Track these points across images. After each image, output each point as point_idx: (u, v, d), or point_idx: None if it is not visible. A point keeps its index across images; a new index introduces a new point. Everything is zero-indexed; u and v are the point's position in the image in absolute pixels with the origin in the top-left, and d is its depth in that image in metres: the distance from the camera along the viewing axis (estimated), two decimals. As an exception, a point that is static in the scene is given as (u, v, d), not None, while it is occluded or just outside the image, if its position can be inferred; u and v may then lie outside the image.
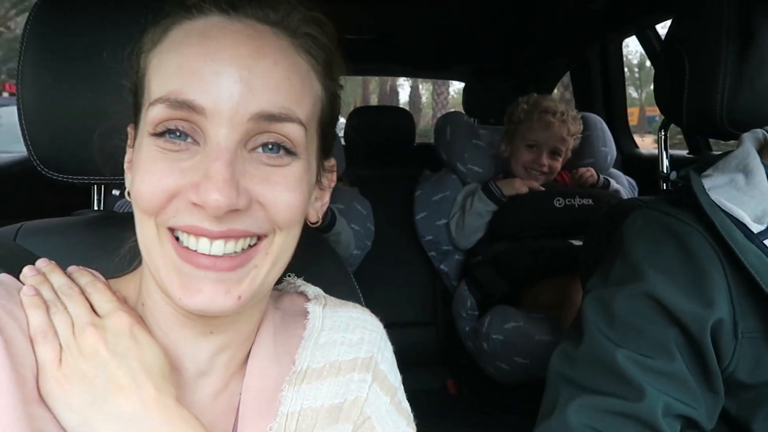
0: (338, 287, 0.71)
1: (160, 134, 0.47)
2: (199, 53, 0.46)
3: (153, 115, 0.47)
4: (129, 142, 0.55)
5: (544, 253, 1.72)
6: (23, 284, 0.51)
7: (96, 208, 0.82)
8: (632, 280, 0.72)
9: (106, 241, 0.69)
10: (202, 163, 0.45)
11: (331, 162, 0.59)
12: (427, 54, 2.63)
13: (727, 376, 0.68)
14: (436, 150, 2.08)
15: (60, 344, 0.47)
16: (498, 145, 1.94)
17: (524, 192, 1.78)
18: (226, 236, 0.46)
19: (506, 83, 2.57)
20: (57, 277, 0.52)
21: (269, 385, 0.56)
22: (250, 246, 0.48)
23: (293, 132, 0.48)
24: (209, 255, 0.46)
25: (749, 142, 0.77)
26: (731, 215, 0.70)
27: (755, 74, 0.83)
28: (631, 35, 2.25)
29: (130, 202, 0.91)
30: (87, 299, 0.51)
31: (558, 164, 1.84)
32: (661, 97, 1.03)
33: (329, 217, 1.60)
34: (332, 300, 0.64)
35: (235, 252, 0.47)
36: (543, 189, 1.80)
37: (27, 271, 0.52)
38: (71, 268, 0.54)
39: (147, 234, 0.49)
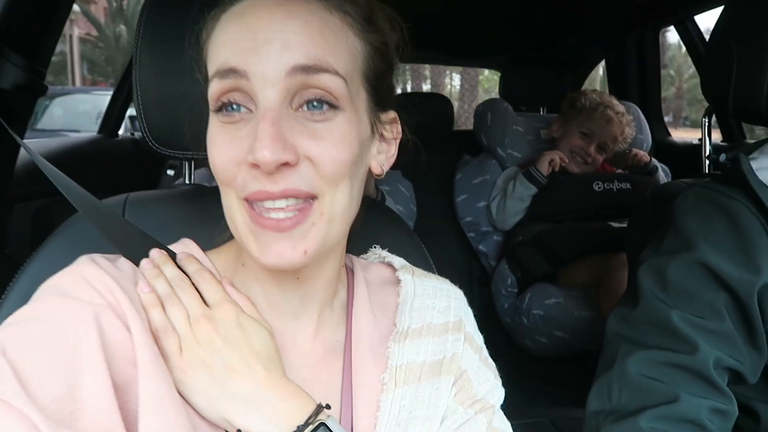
0: (413, 257, 0.75)
1: (219, 109, 0.50)
2: (239, 27, 0.50)
3: (211, 92, 0.51)
4: None
5: (583, 234, 1.80)
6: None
7: (187, 182, 0.89)
8: (685, 249, 0.77)
9: (201, 212, 0.76)
10: (254, 128, 0.48)
11: (391, 115, 0.59)
12: (465, 42, 2.68)
13: None
14: (476, 135, 2.15)
15: (178, 335, 0.52)
16: (550, 124, 2.02)
17: (555, 159, 1.86)
18: (284, 195, 0.49)
19: (542, 72, 2.61)
20: (170, 269, 0.56)
21: (374, 341, 0.61)
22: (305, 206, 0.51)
23: (332, 83, 0.49)
24: (273, 218, 0.49)
25: None
26: None
27: None
28: (670, 26, 2.29)
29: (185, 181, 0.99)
30: (196, 288, 0.55)
31: (600, 159, 1.93)
32: (708, 85, 1.09)
33: (380, 196, 1.68)
34: (417, 270, 0.68)
35: (294, 213, 0.50)
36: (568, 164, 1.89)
37: (144, 264, 0.56)
38: (180, 255, 0.58)
39: (228, 204, 0.53)
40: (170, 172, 2.40)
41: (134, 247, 0.59)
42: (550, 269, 1.82)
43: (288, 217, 0.49)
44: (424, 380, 0.60)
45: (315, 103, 0.49)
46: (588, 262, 1.77)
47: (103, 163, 2.38)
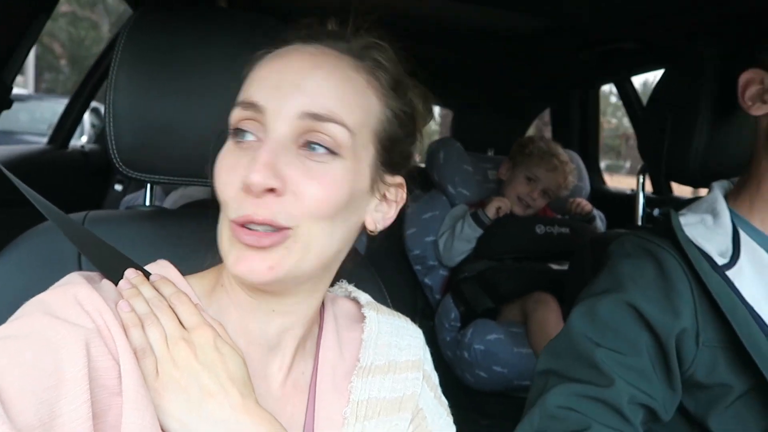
0: (371, 291, 0.76)
1: (234, 134, 0.55)
2: (271, 68, 0.55)
3: (230, 119, 0.56)
4: None
5: (525, 274, 1.90)
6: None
7: (147, 204, 0.88)
8: (616, 291, 0.82)
9: (163, 235, 0.77)
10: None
11: (398, 179, 0.62)
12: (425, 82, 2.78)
13: (688, 377, 0.79)
14: (427, 171, 2.23)
15: (155, 357, 0.52)
16: (500, 166, 2.13)
17: (502, 206, 1.96)
18: (264, 223, 0.51)
19: (492, 115, 2.75)
20: (147, 290, 0.56)
21: (338, 374, 0.63)
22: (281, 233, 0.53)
23: (337, 133, 0.53)
24: (254, 235, 0.52)
25: (718, 189, 0.89)
26: (700, 248, 0.81)
27: (725, 135, 0.97)
28: (610, 83, 2.48)
29: (133, 198, 1.00)
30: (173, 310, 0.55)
31: (543, 204, 2.05)
32: (643, 145, 1.20)
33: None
34: (381, 307, 0.71)
35: (273, 234, 0.52)
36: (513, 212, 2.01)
37: (122, 283, 0.56)
38: (153, 277, 0.58)
39: (220, 224, 0.56)
40: (118, 188, 2.35)
41: (111, 266, 0.58)
42: (491, 306, 1.90)
43: (267, 234, 0.52)
44: (383, 416, 0.62)
45: (316, 146, 0.53)
46: (521, 301, 1.87)
47: (50, 176, 2.29)
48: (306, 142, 0.53)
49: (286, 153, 0.52)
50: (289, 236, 0.53)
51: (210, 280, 0.62)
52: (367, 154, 0.57)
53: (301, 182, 0.52)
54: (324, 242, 0.55)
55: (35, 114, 6.71)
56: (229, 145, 0.56)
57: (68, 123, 2.49)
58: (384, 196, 0.61)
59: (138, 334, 0.52)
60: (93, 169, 2.55)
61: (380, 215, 0.62)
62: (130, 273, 0.57)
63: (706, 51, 1.03)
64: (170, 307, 0.55)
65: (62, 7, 13.81)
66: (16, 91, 1.09)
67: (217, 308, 0.59)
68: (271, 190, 0.51)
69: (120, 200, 2.08)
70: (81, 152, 2.68)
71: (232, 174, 0.53)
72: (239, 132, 0.55)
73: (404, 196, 0.63)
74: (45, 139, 2.57)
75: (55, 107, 6.12)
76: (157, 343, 0.52)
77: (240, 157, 0.53)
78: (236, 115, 0.55)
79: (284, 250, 0.53)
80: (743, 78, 0.86)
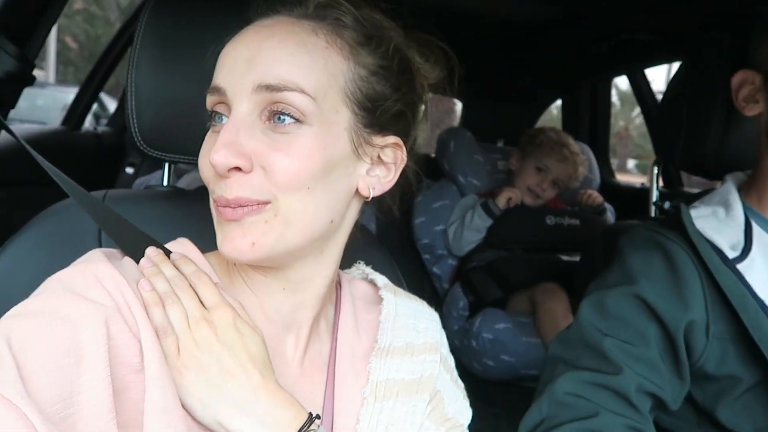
0: (384, 272, 0.77)
1: (211, 117, 0.56)
2: (229, 49, 0.55)
3: (206, 103, 0.56)
4: None
5: (535, 264, 1.91)
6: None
7: (165, 184, 0.89)
8: (626, 283, 0.83)
9: (181, 215, 0.78)
10: None
11: (390, 139, 0.58)
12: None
13: (697, 368, 0.80)
14: (437, 161, 2.23)
15: (177, 336, 0.52)
16: (509, 156, 2.13)
17: (513, 197, 1.97)
18: (237, 204, 0.52)
19: (501, 106, 2.74)
20: (168, 269, 0.55)
21: (357, 355, 0.63)
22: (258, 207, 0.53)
23: (297, 101, 0.52)
24: (229, 206, 0.52)
25: (731, 181, 0.89)
26: (711, 241, 0.81)
27: (739, 126, 0.98)
28: (622, 75, 2.46)
29: (145, 181, 1.01)
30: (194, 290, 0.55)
31: (553, 194, 2.05)
32: (659, 138, 1.20)
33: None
34: (398, 290, 0.71)
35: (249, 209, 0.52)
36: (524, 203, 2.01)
37: (144, 262, 0.56)
38: (174, 255, 0.58)
39: (212, 208, 0.56)
40: (129, 170, 2.37)
41: (131, 244, 0.58)
42: (500, 295, 1.91)
43: (242, 206, 0.52)
44: (402, 397, 0.62)
45: (280, 117, 0.52)
46: (529, 292, 1.88)
47: (64, 156, 2.32)
48: (269, 115, 0.53)
49: (250, 129, 0.52)
50: (267, 210, 0.52)
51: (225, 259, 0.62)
52: (341, 118, 0.55)
53: (268, 155, 0.52)
54: (306, 213, 0.54)
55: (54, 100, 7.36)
56: (209, 132, 0.57)
57: (81, 106, 2.51)
58: (379, 159, 0.59)
59: (159, 313, 0.52)
60: (105, 151, 2.57)
61: (375, 179, 0.59)
62: (152, 251, 0.57)
63: (722, 43, 1.03)
64: (191, 286, 0.55)
65: (76, 5, 14.23)
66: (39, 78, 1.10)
67: (234, 287, 0.60)
68: (237, 169, 0.51)
69: (131, 183, 2.10)
70: (94, 134, 2.71)
71: (205, 157, 0.54)
72: (214, 115, 0.56)
73: (404, 156, 0.60)
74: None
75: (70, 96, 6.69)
76: (178, 323, 0.52)
77: (214, 141, 0.53)
78: (208, 101, 0.56)
79: (264, 225, 0.52)
80: (735, 79, 0.87)
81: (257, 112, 0.53)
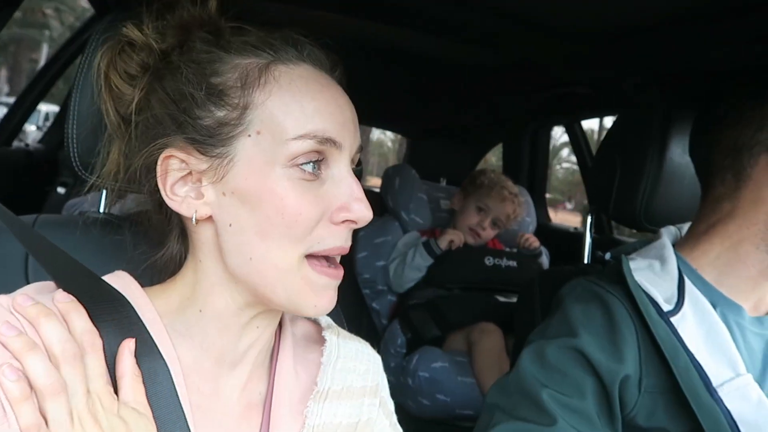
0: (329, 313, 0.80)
1: (299, 165, 0.54)
2: (327, 100, 0.56)
3: (296, 148, 0.54)
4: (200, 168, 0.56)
5: (473, 304, 1.93)
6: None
7: (102, 210, 0.85)
8: (566, 335, 0.85)
9: (115, 243, 0.74)
10: (336, 189, 0.56)
11: None
12: (380, 107, 2.82)
13: (628, 420, 0.81)
14: (382, 196, 2.25)
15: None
16: (453, 198, 2.18)
17: (455, 240, 2.00)
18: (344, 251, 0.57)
19: (446, 145, 2.81)
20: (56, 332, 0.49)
21: (294, 397, 0.62)
22: None
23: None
24: (335, 268, 0.56)
25: (666, 235, 0.93)
26: (648, 293, 0.84)
27: (669, 183, 1.03)
28: (560, 125, 2.58)
29: (79, 203, 0.96)
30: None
31: (492, 234, 2.10)
32: (593, 188, 1.25)
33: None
34: (342, 331, 0.71)
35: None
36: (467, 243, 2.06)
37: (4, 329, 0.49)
38: (60, 302, 0.51)
39: (282, 259, 0.54)
40: (61, 190, 2.26)
41: (64, 273, 0.54)
42: (438, 334, 1.92)
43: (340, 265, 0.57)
44: None
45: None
46: (466, 331, 1.90)
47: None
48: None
49: None
50: None
51: (176, 296, 0.60)
52: None
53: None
54: None
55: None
56: (290, 178, 0.54)
57: (14, 121, 2.38)
58: None
59: (29, 411, 0.44)
60: (36, 170, 2.44)
61: None
62: (61, 296, 0.51)
63: (656, 103, 1.09)
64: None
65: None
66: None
67: (184, 326, 0.58)
68: None
69: (63, 204, 1.99)
70: (25, 151, 2.57)
71: (316, 208, 0.54)
72: (305, 161, 0.55)
73: None
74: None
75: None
76: (60, 421, 0.45)
77: (316, 192, 0.55)
78: (306, 147, 0.54)
79: None
80: None
81: None
